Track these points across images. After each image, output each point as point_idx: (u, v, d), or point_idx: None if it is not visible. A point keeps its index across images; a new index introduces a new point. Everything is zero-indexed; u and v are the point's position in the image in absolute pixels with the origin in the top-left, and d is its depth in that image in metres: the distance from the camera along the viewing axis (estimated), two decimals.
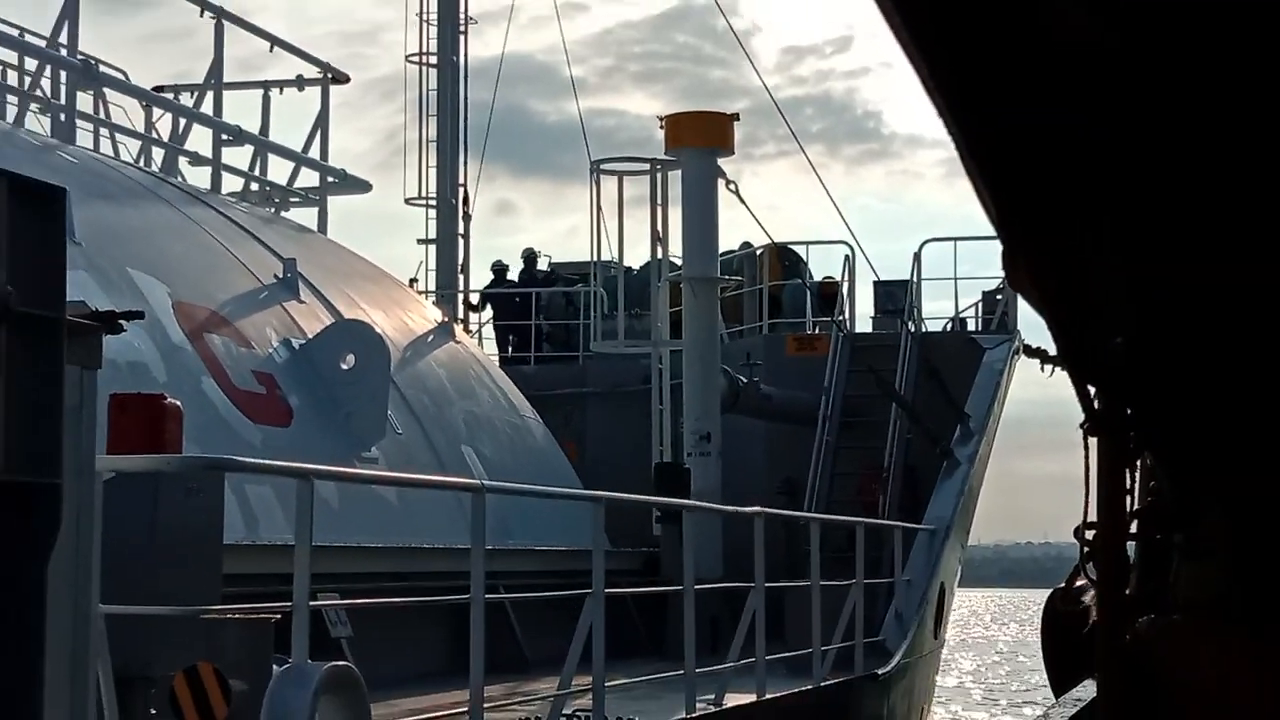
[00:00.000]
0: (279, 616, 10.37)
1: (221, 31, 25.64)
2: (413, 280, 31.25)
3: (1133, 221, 4.03)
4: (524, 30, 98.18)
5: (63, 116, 23.49)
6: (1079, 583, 19.95)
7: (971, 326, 30.34)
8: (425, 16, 32.70)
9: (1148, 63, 2.92)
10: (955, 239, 30.98)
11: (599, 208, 28.83)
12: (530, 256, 33.57)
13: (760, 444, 28.06)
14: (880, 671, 21.33)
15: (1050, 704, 23.77)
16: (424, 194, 32.78)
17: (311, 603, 9.87)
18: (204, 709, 9.62)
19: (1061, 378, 6.19)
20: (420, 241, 32.89)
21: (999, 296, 29.88)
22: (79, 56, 23.53)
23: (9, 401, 7.23)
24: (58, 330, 7.69)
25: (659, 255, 28.10)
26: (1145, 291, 4.38)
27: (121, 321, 8.72)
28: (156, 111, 25.66)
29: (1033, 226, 3.86)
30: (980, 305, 30.60)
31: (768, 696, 16.82)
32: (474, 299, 33.85)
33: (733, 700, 16.24)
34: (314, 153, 27.80)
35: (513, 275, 34.30)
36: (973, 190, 3.65)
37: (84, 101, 23.95)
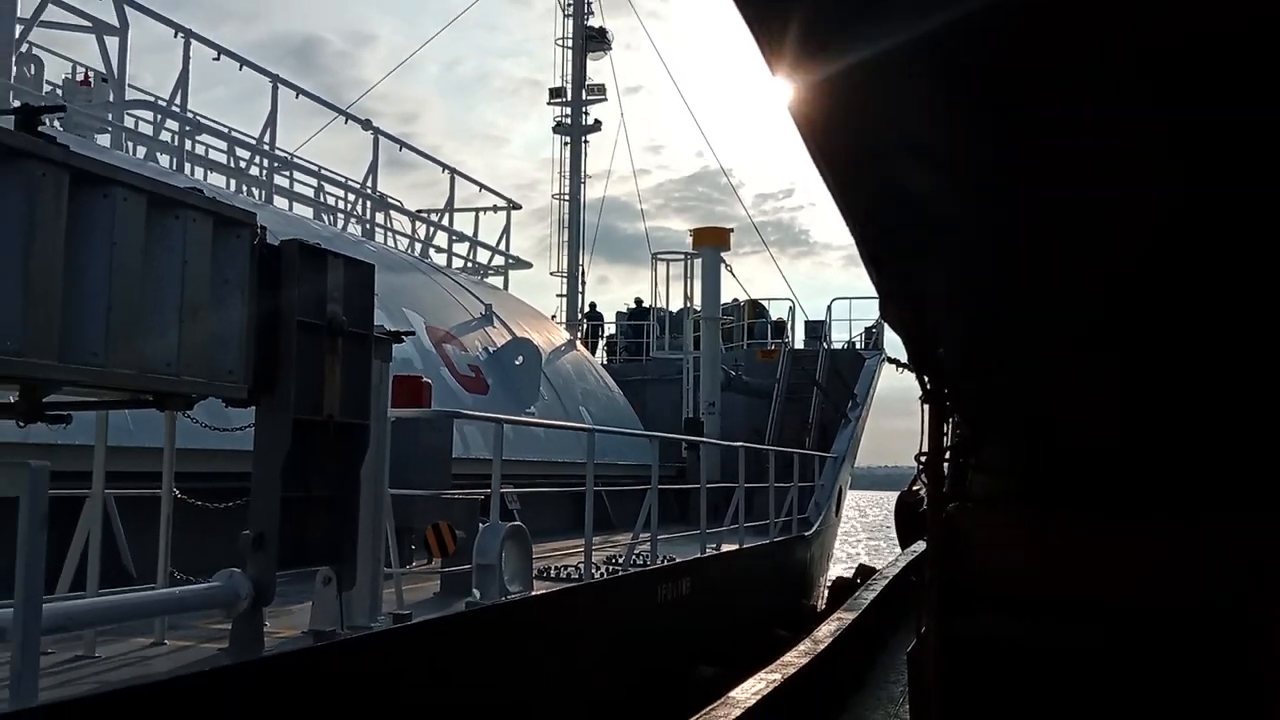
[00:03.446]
0: (482, 497, 10.45)
1: (454, 181, 25.90)
2: (553, 316, 31.40)
3: (949, 296, 4.10)
4: (614, 183, 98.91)
5: (367, 225, 23.74)
6: (915, 486, 19.97)
7: (859, 346, 30.31)
8: (563, 173, 33.05)
9: (956, 207, 2.99)
10: (850, 299, 31.20)
11: (655, 279, 29.26)
12: (639, 300, 33.35)
13: (741, 408, 28.00)
14: (806, 533, 21.35)
15: (898, 553, 23.82)
16: (560, 270, 33.06)
17: (501, 490, 9.99)
18: (442, 547, 9.71)
19: (908, 378, 6.22)
20: (558, 295, 33.24)
21: (874, 330, 30.07)
22: (377, 193, 23.78)
23: (344, 379, 7.35)
24: (369, 341, 7.80)
25: (687, 304, 28.20)
26: (955, 329, 4.44)
27: (403, 337, 8.88)
28: (418, 224, 25.93)
29: (896, 291, 3.91)
30: (864, 335, 30.65)
31: (745, 546, 16.87)
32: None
33: (726, 548, 16.29)
34: (502, 246, 27.99)
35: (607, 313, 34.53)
36: (865, 271, 3.69)
37: (379, 218, 24.21)
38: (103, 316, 5.62)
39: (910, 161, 2.73)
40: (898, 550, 25.18)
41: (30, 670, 5.19)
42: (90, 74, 18.68)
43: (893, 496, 30.00)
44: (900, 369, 6.66)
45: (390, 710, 7.57)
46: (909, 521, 23.23)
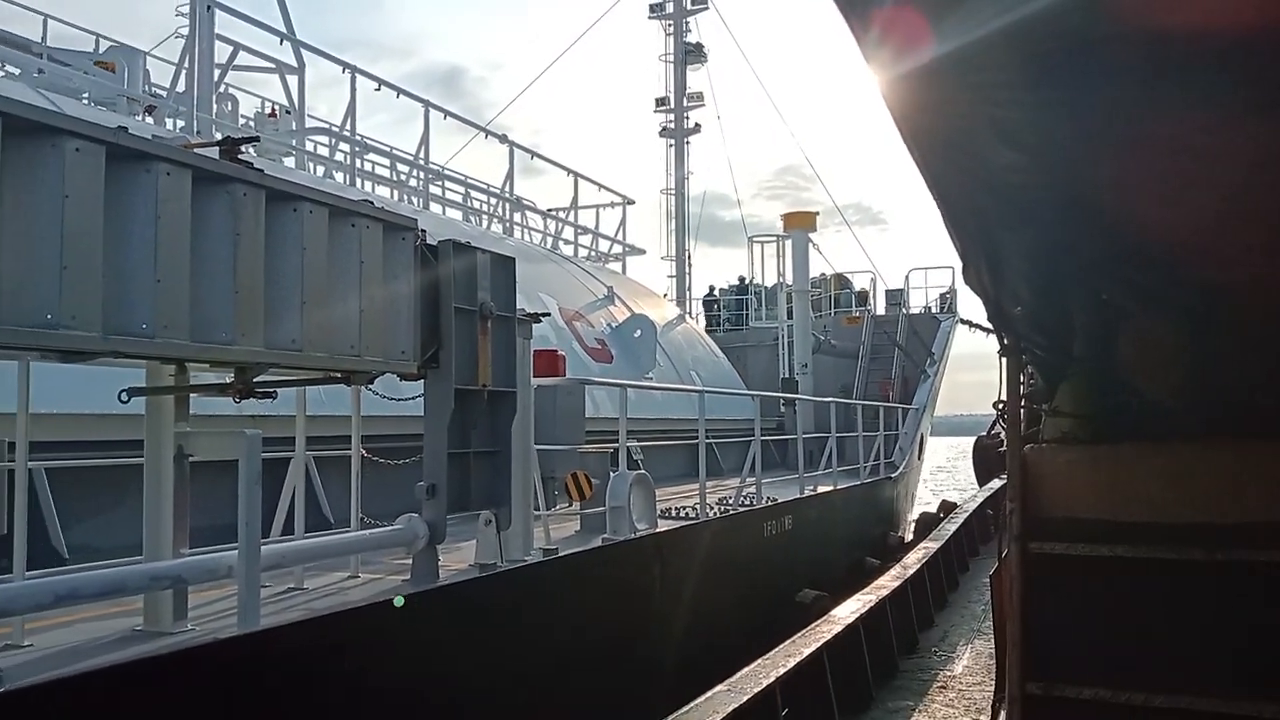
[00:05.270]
0: (612, 449, 10.53)
1: (577, 183, 25.98)
2: (665, 294, 31.31)
3: (1026, 261, 3.97)
4: (715, 177, 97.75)
5: (506, 224, 24.01)
6: (994, 430, 19.46)
7: (934, 310, 29.58)
8: (669, 171, 32.89)
9: (1036, 181, 2.89)
10: (925, 268, 30.46)
11: (752, 259, 28.94)
12: (742, 279, 33.04)
13: (831, 368, 27.57)
14: (893, 475, 21.00)
15: (976, 490, 23.28)
16: (670, 254, 32.96)
17: (626, 443, 10.04)
18: (580, 492, 9.81)
19: (979, 336, 6.01)
20: (669, 276, 33.10)
21: (947, 296, 29.30)
22: (514, 196, 24.02)
23: (494, 354, 7.47)
24: (513, 322, 7.91)
25: (780, 279, 27.88)
26: (1030, 291, 4.30)
27: (540, 318, 8.97)
28: (549, 221, 26.11)
29: (977, 258, 3.80)
30: (939, 300, 29.88)
31: (839, 487, 16.68)
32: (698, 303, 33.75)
33: (822, 489, 16.13)
34: (619, 235, 28.03)
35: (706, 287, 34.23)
36: (949, 238, 3.59)
37: (516, 217, 24.45)
38: (298, 310, 5.81)
39: (995, 143, 2.65)
40: (975, 486, 24.59)
41: (253, 600, 5.44)
42: (276, 107, 19.27)
43: (966, 441, 29.45)
44: (974, 329, 6.47)
45: (543, 630, 7.72)
46: (987, 461, 22.68)
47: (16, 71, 15.55)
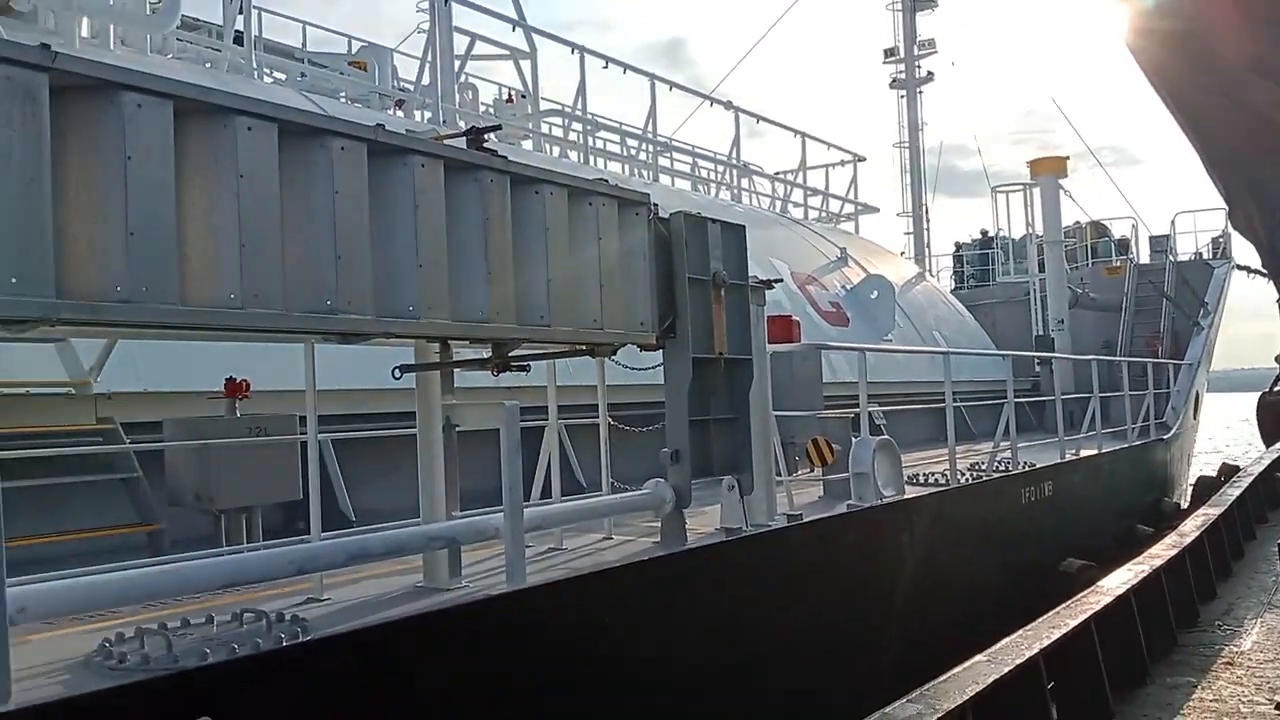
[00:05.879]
0: (853, 414, 10.44)
1: (804, 143, 25.71)
2: (901, 252, 30.24)
3: None
4: (952, 126, 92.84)
5: (734, 190, 24.12)
6: (1277, 386, 17.68)
7: (1206, 256, 27.08)
8: (901, 123, 31.79)
9: None
10: (1194, 211, 27.91)
11: (996, 210, 27.56)
12: (984, 231, 31.58)
13: (1090, 323, 25.84)
14: (1165, 437, 19.52)
15: (1262, 451, 21.24)
16: (906, 210, 31.92)
17: (869, 409, 9.93)
18: (821, 458, 9.82)
19: (1259, 282, 5.54)
20: (905, 233, 32.08)
21: (1220, 240, 26.73)
22: (741, 162, 24.09)
23: (729, 322, 7.61)
24: (745, 290, 8.01)
25: (1029, 230, 26.42)
26: None
27: (772, 284, 9.02)
28: (777, 185, 25.99)
29: (1243, 198, 3.53)
30: (1210, 245, 27.32)
31: (1103, 450, 15.72)
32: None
33: (1084, 453, 15.26)
34: (850, 194, 27.50)
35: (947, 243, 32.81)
36: (1209, 179, 3.35)
37: (744, 183, 24.50)
38: (544, 288, 6.18)
39: (1250, 75, 2.48)
40: (1261, 447, 22.44)
41: (518, 559, 5.86)
42: (512, 92, 20.24)
43: (1249, 398, 26.86)
44: (1252, 275, 5.97)
45: (791, 593, 7.83)
46: (1272, 421, 20.66)
47: (283, 77, 17.19)
